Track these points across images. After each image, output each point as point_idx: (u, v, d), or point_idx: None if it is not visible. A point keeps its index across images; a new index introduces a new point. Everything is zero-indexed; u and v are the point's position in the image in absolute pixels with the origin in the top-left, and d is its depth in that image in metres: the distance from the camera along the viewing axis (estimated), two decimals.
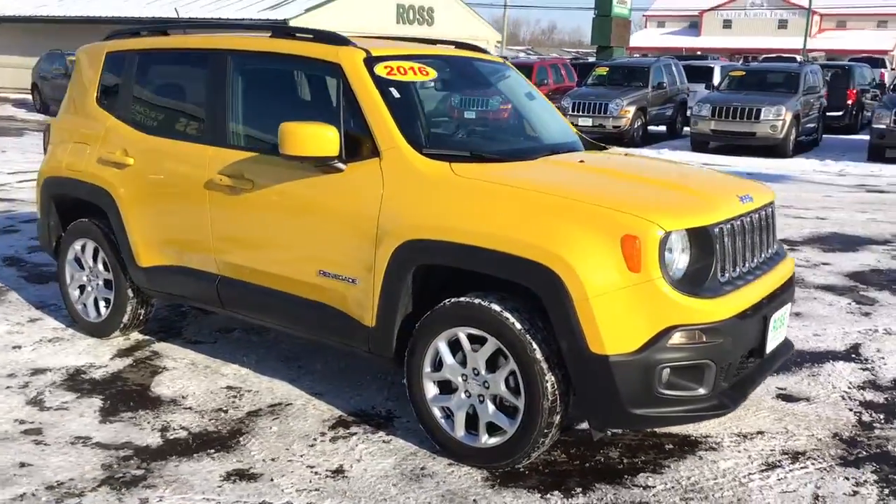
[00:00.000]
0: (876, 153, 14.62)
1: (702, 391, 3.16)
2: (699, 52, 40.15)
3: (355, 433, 3.75)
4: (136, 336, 4.96)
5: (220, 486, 3.28)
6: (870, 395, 4.29)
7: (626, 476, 3.39)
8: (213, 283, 4.21)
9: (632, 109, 16.12)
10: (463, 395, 3.42)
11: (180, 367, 4.51)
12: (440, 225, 3.33)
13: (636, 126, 16.34)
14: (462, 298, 3.35)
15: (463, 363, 3.41)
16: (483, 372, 3.34)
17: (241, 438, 3.69)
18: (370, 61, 3.78)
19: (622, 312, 3.03)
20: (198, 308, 5.01)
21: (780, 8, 65.89)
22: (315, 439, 3.69)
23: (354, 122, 3.69)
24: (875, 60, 28.81)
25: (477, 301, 3.30)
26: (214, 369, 4.49)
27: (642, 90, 16.78)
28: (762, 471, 3.46)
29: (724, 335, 3.15)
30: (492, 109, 4.46)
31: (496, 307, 3.24)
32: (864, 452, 3.66)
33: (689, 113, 17.63)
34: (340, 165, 3.63)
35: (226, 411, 3.97)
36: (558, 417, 3.25)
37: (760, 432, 3.82)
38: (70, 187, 4.83)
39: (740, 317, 3.22)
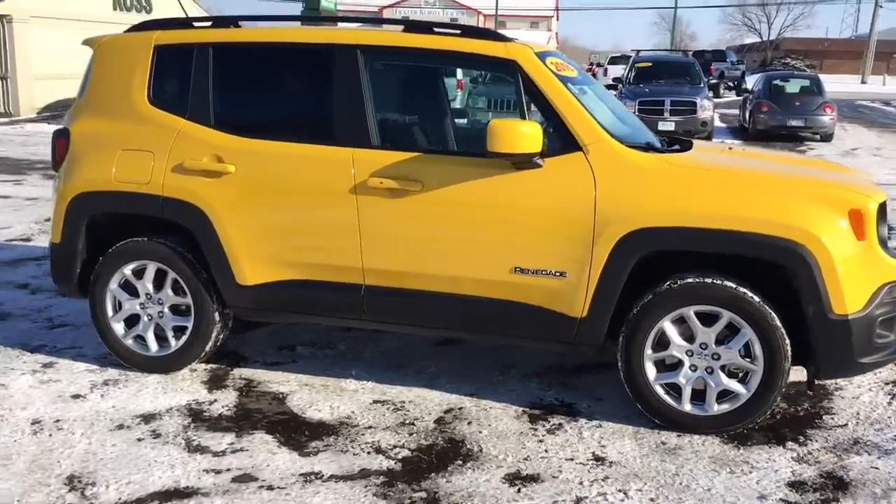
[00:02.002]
0: None
1: (892, 337, 3.75)
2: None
3: (561, 424, 3.82)
4: (199, 367, 4.41)
5: (516, 491, 3.21)
6: None
7: (816, 421, 3.90)
8: (357, 292, 3.95)
9: None
10: (689, 370, 3.68)
11: (300, 391, 4.15)
12: (675, 212, 3.54)
13: None
14: (690, 279, 3.60)
15: (688, 339, 3.66)
16: (712, 345, 3.63)
17: (467, 446, 3.58)
18: (540, 57, 3.83)
19: (856, 276, 3.51)
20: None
21: (451, 7, 70.85)
22: (535, 436, 3.70)
23: (537, 117, 3.74)
24: None
25: (710, 280, 3.57)
26: (336, 387, 4.20)
27: None
28: (893, 397, 4.17)
29: None
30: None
31: (730, 284, 3.55)
32: None
33: None
34: (539, 161, 3.66)
35: (412, 424, 3.79)
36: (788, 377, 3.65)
37: None
38: (126, 203, 4.15)
39: None
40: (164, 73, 4.18)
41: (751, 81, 26.07)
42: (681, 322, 3.66)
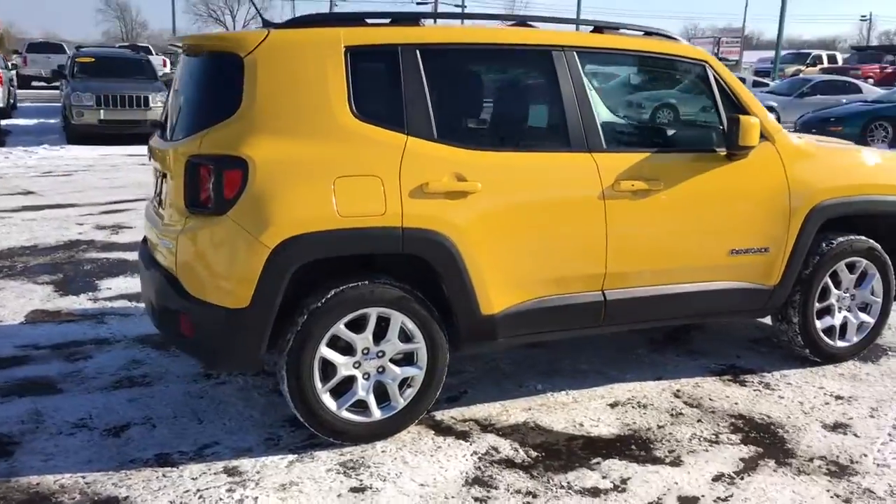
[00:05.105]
0: None
1: None
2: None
3: (764, 382, 4.35)
4: None
5: (843, 435, 3.72)
6: None
7: None
8: (598, 299, 3.87)
9: None
10: (837, 312, 4.54)
11: (535, 416, 3.88)
12: (839, 186, 4.32)
13: None
14: (841, 239, 4.42)
15: (837, 287, 4.50)
16: (852, 288, 4.54)
17: (758, 419, 3.91)
18: None
19: None
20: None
21: None
22: (771, 396, 4.18)
23: (728, 112, 4.13)
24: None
25: (855, 237, 4.46)
26: (555, 403, 4.03)
27: None
28: None
29: None
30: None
31: (865, 238, 4.49)
32: None
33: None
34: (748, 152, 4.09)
35: (681, 414, 3.94)
36: None
37: None
38: (358, 242, 3.32)
39: None
40: (365, 80, 3.42)
41: None
42: (832, 275, 4.48)
